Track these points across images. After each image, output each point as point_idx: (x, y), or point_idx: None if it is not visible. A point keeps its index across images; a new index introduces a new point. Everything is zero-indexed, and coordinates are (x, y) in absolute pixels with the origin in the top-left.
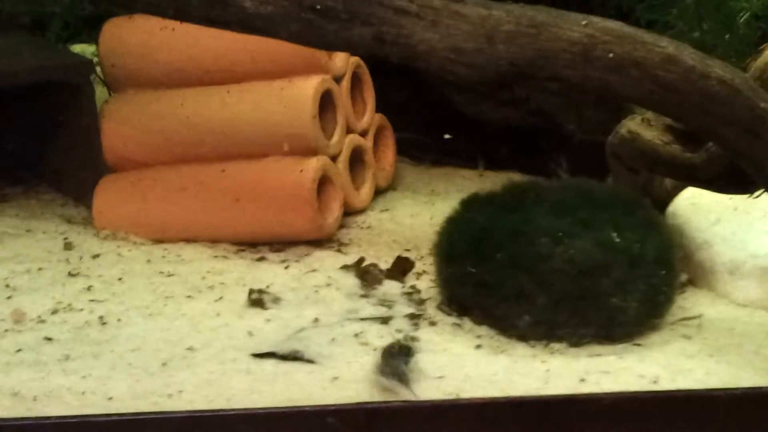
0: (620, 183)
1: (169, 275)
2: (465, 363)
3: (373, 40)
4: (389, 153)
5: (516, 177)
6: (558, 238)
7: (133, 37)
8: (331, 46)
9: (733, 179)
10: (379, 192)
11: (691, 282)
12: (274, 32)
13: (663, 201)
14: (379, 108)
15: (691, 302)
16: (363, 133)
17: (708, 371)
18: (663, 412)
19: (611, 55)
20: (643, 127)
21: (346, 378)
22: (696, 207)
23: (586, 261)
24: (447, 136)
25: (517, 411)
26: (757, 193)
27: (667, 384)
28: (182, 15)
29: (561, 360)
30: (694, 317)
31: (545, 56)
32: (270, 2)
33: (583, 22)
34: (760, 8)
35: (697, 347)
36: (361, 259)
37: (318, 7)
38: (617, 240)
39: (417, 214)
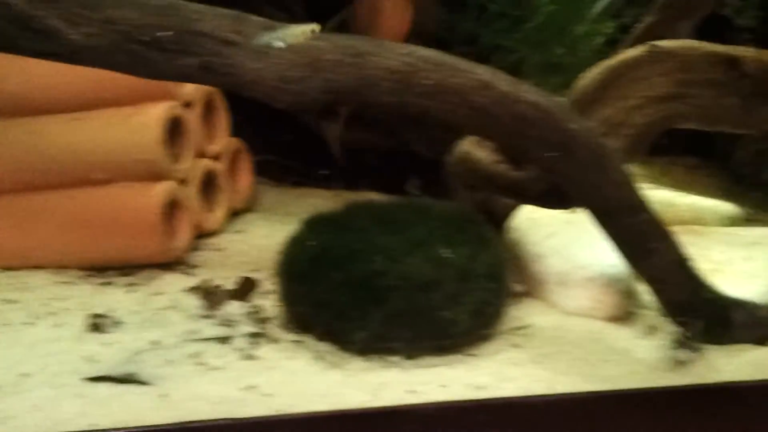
0: (461, 200)
1: (11, 302)
2: (299, 379)
3: (201, 70)
4: (245, 176)
5: (372, 196)
6: (392, 256)
7: None
8: (160, 76)
9: (558, 195)
10: (235, 214)
11: (527, 293)
12: (103, 64)
13: (503, 216)
14: (241, 132)
15: (524, 312)
16: (216, 157)
17: (533, 378)
18: (484, 419)
19: (430, 82)
20: (475, 147)
21: (177, 398)
22: (533, 221)
23: (419, 277)
24: (323, 172)
25: (338, 423)
26: (576, 209)
27: (493, 392)
28: (9, 48)
29: (394, 373)
30: (524, 327)
31: (367, 84)
32: (97, 34)
33: (403, 51)
34: (602, 33)
35: (526, 355)
36: (206, 281)
37: (146, 38)
38: (448, 256)
39: (270, 235)
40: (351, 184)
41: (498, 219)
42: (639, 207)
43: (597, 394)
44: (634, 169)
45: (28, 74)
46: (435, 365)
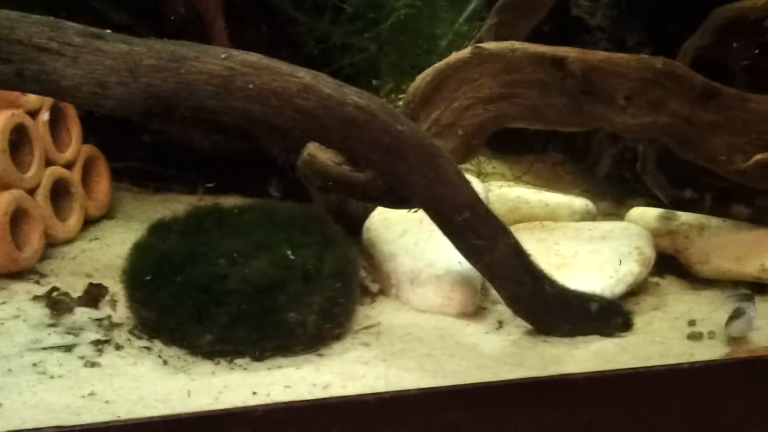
0: (318, 203)
1: None
2: (142, 385)
3: (16, 78)
4: (103, 182)
5: (234, 200)
6: (233, 259)
7: None
8: None
9: (398, 195)
10: (92, 221)
11: (382, 292)
12: None
13: (360, 217)
14: (103, 138)
15: (378, 311)
16: (69, 165)
17: (378, 376)
18: (323, 419)
19: (251, 86)
20: (319, 149)
21: (12, 407)
22: (387, 221)
23: (261, 279)
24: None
25: (171, 427)
26: (415, 209)
27: (336, 391)
28: None
29: (240, 375)
30: (374, 325)
31: (188, 88)
32: None
33: (223, 56)
34: (465, 35)
35: (374, 353)
36: (53, 289)
37: None
38: (292, 258)
39: (126, 242)
40: (214, 189)
41: (354, 219)
42: (472, 205)
43: (440, 390)
44: (494, 167)
45: None
46: (282, 366)
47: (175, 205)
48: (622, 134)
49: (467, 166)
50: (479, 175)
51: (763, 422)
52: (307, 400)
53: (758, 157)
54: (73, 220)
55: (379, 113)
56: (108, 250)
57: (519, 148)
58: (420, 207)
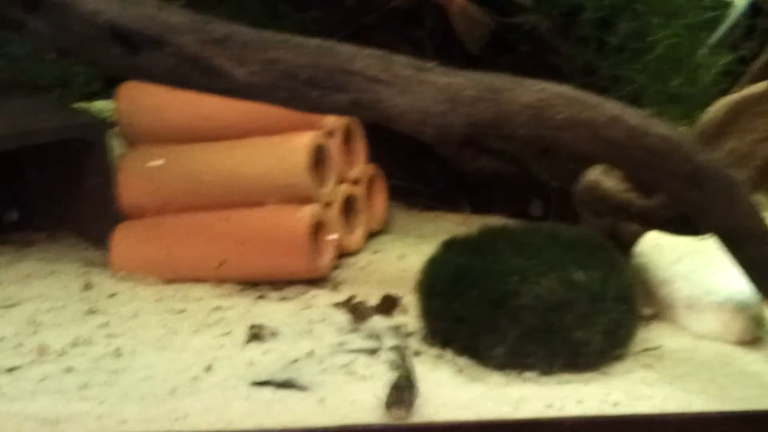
0: (588, 226)
1: (179, 312)
2: (443, 390)
3: (351, 105)
4: (381, 199)
5: (497, 221)
6: (525, 277)
7: (146, 98)
8: (314, 110)
9: (685, 222)
10: (372, 235)
11: (656, 316)
12: (263, 98)
13: (629, 242)
14: (376, 158)
15: (654, 334)
16: (355, 182)
17: (665, 397)
18: None
19: (561, 116)
20: (603, 176)
21: (333, 403)
22: (659, 247)
23: (552, 298)
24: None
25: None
26: (706, 235)
27: (627, 409)
28: (183, 85)
29: (531, 387)
30: (654, 348)
31: (503, 118)
32: (259, 73)
33: (537, 88)
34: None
35: (657, 375)
36: (352, 297)
37: (302, 77)
38: (581, 278)
39: (405, 255)
40: (478, 209)
41: (624, 244)
42: (765, 236)
43: (731, 415)
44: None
45: (184, 105)
46: (570, 382)
47: (443, 223)
48: None
49: None
50: None
51: None
52: (610, 416)
53: None
54: (359, 234)
55: (681, 144)
56: (390, 262)
57: None
58: (712, 235)
